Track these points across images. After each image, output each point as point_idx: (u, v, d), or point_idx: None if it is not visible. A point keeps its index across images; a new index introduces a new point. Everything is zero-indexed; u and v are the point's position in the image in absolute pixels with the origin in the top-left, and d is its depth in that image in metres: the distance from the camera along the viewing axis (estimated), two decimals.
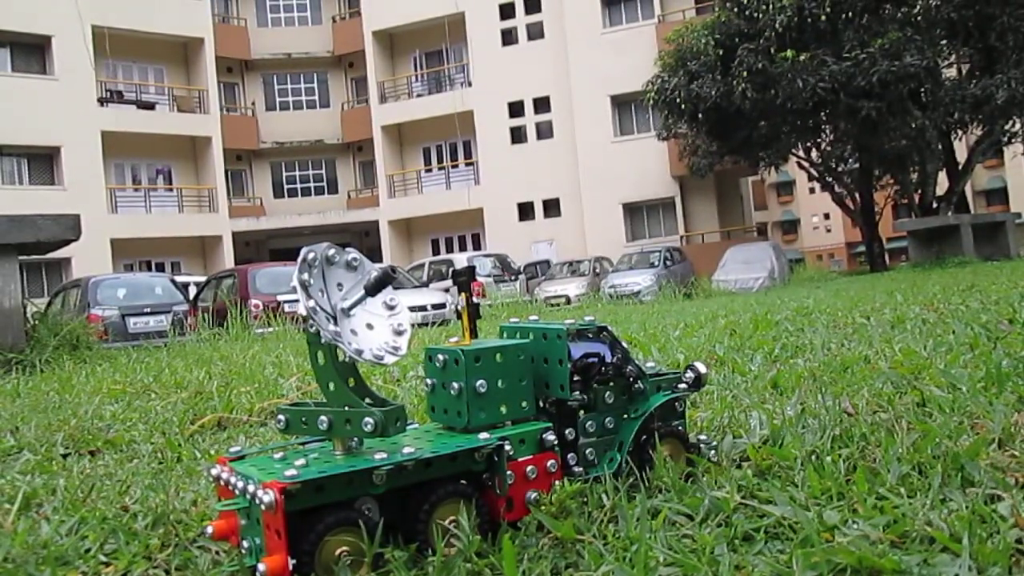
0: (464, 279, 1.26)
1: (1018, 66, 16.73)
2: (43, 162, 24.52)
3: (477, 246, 26.54)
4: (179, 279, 15.54)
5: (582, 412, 1.29)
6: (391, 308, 1.16)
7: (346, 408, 1.09)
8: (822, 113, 18.58)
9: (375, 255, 26.46)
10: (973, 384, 1.67)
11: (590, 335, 1.31)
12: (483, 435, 1.14)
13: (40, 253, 6.60)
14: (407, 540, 1.05)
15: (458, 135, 27.65)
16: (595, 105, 24.63)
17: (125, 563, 1.17)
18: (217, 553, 1.17)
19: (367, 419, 1.06)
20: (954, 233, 14.49)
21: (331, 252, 1.12)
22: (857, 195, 21.32)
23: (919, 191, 19.71)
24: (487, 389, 1.19)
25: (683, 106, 18.36)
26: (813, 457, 1.27)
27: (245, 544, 1.04)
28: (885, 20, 17.00)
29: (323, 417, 1.10)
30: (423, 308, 15.13)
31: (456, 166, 28.31)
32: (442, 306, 15.57)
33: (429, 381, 1.26)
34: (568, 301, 17.95)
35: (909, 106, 17.36)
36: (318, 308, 1.06)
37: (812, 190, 31.92)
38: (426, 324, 12.36)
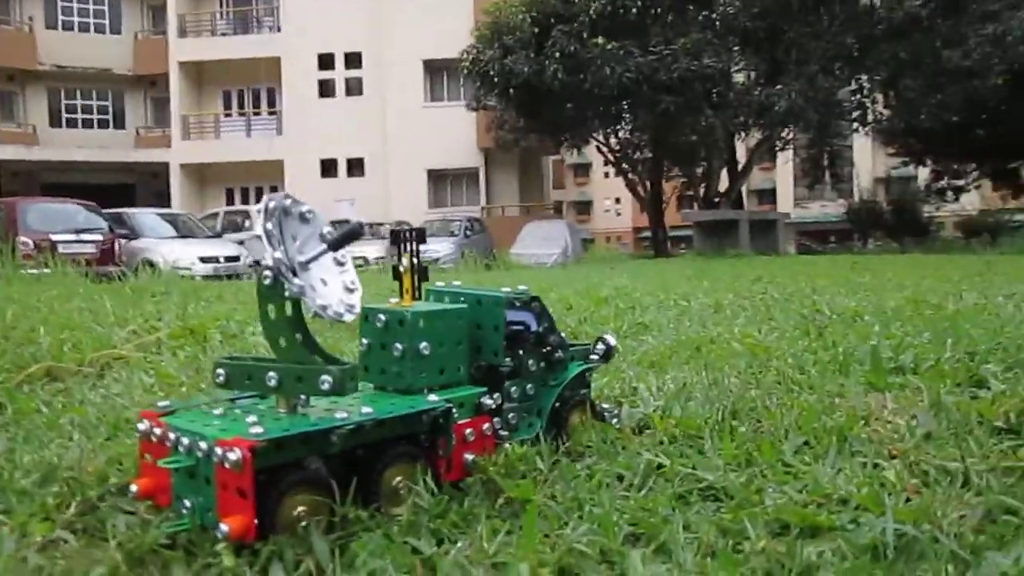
0: (411, 238, 1.25)
1: (798, 79, 18.40)
2: None
3: None
4: None
5: (506, 379, 1.32)
6: (341, 264, 1.13)
7: (298, 365, 1.05)
8: (625, 102, 19.50)
9: (163, 200, 24.73)
10: (822, 367, 1.87)
11: (517, 304, 1.34)
12: (431, 397, 1.15)
13: None
14: (363, 502, 1.04)
15: (263, 81, 26.31)
16: (407, 67, 24.33)
17: (20, 521, 1.06)
18: (132, 513, 1.09)
19: (325, 376, 1.03)
20: (733, 227, 15.79)
21: (288, 203, 1.07)
22: (648, 183, 22.66)
23: (704, 185, 21.27)
24: (430, 352, 1.19)
25: (496, 79, 18.58)
26: (717, 427, 1.39)
27: (187, 503, 0.98)
28: (689, 21, 18.09)
29: (272, 373, 1.06)
30: (215, 260, 14.42)
31: (258, 114, 26.95)
32: (235, 259, 14.88)
33: (364, 341, 1.23)
34: (367, 263, 17.75)
35: (703, 104, 18.65)
36: (284, 260, 1.01)
37: (607, 174, 33.55)
38: (219, 277, 11.79)
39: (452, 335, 1.23)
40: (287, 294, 1.03)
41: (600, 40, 17.42)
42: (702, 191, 21.59)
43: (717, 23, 17.87)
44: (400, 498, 1.07)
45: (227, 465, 0.91)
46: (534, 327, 1.34)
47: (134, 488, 1.05)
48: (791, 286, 4.87)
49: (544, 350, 1.35)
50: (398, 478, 1.08)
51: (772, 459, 1.22)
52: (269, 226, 1.01)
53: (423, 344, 1.19)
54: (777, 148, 22.01)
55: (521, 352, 1.32)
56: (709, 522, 1.00)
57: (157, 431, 1.04)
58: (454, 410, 1.15)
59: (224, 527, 0.90)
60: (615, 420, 1.45)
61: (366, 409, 1.05)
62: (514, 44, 18.23)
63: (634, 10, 17.62)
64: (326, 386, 1.03)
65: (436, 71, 24.65)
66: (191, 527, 0.97)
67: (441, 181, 25.09)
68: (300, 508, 0.97)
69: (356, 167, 25.27)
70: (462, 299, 1.31)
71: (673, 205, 28.17)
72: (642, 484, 1.14)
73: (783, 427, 1.36)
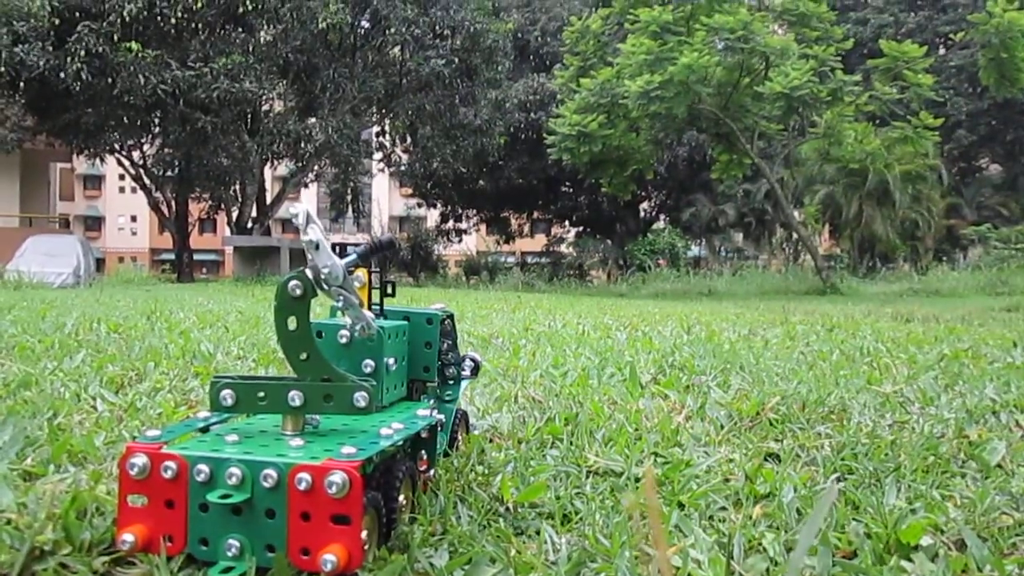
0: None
1: (334, 115, 19.19)
2: None
3: None
4: None
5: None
6: None
7: (324, 381, 0.98)
8: (156, 115, 18.33)
9: None
10: (566, 378, 2.16)
11: (428, 321, 1.37)
12: (422, 411, 1.14)
13: None
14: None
15: None
16: None
17: None
18: None
19: (360, 393, 0.98)
20: (274, 253, 15.80)
21: (310, 210, 1.00)
22: (174, 203, 21.49)
23: (237, 210, 20.88)
24: (395, 368, 1.18)
25: (2, 69, 16.05)
26: (570, 429, 1.56)
27: (233, 543, 0.86)
28: (230, 41, 17.71)
29: (295, 392, 0.97)
30: None
31: None
32: None
33: None
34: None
35: (240, 128, 18.39)
36: (340, 271, 0.94)
37: (122, 189, 30.80)
38: None
39: (402, 351, 1.23)
40: (340, 305, 0.96)
41: (134, 45, 16.16)
42: (234, 216, 21.15)
43: (255, 49, 17.80)
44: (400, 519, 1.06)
45: (331, 491, 0.84)
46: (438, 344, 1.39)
47: (128, 538, 0.87)
48: None
49: (442, 366, 1.40)
50: (402, 497, 1.06)
51: (648, 452, 1.44)
52: (320, 236, 0.94)
53: (391, 360, 1.17)
54: (309, 180, 22.58)
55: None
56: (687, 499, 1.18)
57: (172, 465, 0.88)
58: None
59: (330, 558, 0.82)
60: (476, 431, 1.55)
61: (396, 424, 1.02)
62: (28, 33, 15.95)
63: (173, 20, 16.72)
64: (362, 403, 0.99)
65: None
66: (245, 569, 0.85)
67: None
68: (366, 531, 0.92)
69: None
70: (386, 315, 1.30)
71: (196, 228, 27.00)
72: (583, 480, 1.27)
73: (616, 429, 1.60)
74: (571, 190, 26.33)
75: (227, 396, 0.97)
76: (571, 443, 1.48)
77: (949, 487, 1.29)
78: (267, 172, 22.03)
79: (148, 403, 1.73)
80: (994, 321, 6.29)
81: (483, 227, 29.62)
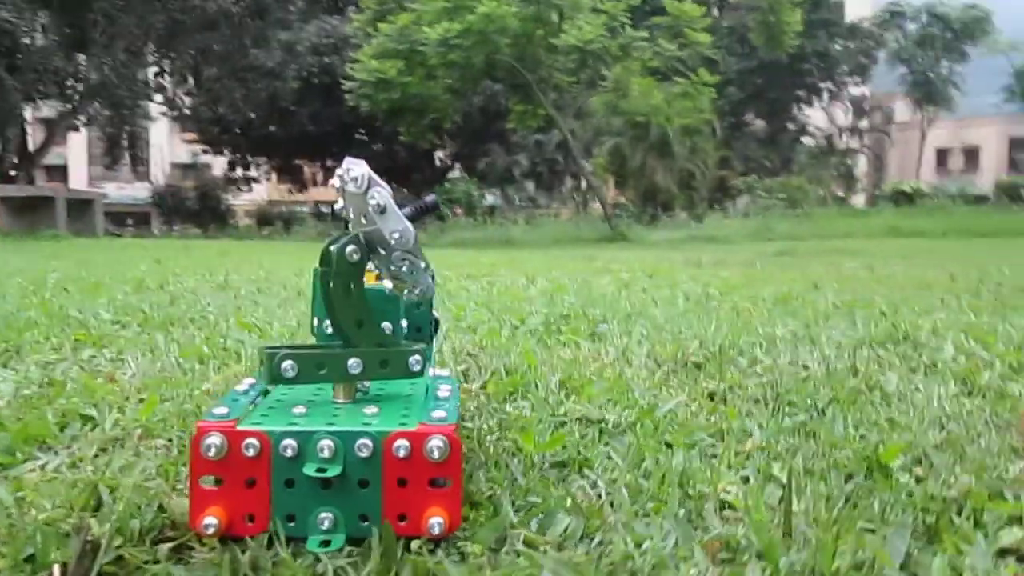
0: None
1: (108, 52, 17.52)
2: None
3: None
4: None
5: None
6: None
7: (379, 347, 0.97)
8: None
9: None
10: (475, 332, 2.20)
11: None
12: (439, 371, 1.14)
13: None
14: None
15: None
16: None
17: None
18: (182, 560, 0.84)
19: (415, 358, 0.98)
20: (48, 205, 14.34)
21: (371, 172, 0.96)
22: None
23: None
24: (406, 329, 1.18)
25: None
26: (523, 380, 1.62)
27: (326, 516, 0.85)
28: None
29: (355, 360, 0.95)
30: None
31: None
32: None
33: (320, 320, 1.13)
34: None
35: None
36: (411, 235, 0.93)
37: None
38: None
39: (403, 312, 1.23)
40: (404, 270, 0.94)
41: None
42: None
43: None
44: None
45: (434, 455, 0.84)
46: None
47: (211, 522, 0.83)
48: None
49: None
50: None
51: (607, 399, 1.53)
52: (387, 199, 0.92)
53: (404, 322, 1.17)
54: (81, 123, 20.58)
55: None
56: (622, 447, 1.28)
57: (254, 443, 0.84)
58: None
59: (438, 520, 0.84)
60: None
61: (444, 386, 1.03)
62: None
63: None
64: (416, 367, 0.99)
65: None
66: (341, 544, 0.84)
67: None
68: None
69: None
70: None
71: None
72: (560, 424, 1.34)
73: (567, 378, 1.67)
74: (367, 137, 25.82)
75: (288, 368, 0.93)
76: (536, 394, 1.54)
77: (869, 413, 1.48)
78: (29, 114, 19.78)
79: (64, 376, 1.58)
80: (772, 265, 6.96)
81: (275, 175, 28.42)
